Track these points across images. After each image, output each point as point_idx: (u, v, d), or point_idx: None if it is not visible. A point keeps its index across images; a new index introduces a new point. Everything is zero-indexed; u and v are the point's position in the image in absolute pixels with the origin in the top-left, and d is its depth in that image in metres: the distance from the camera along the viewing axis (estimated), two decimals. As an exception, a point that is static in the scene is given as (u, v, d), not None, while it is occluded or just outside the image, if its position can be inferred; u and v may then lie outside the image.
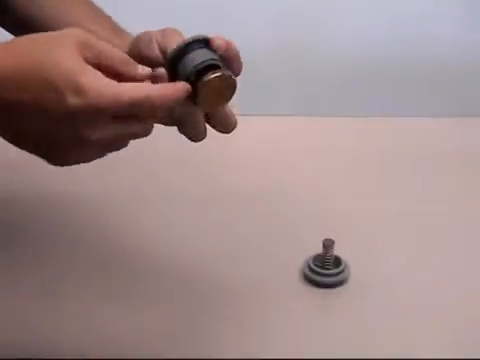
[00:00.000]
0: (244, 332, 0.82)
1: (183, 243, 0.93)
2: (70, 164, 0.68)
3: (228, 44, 0.72)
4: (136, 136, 0.67)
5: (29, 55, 0.63)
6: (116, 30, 0.81)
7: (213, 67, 0.70)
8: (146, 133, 0.67)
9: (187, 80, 0.69)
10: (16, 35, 0.80)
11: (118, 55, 0.66)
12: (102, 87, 0.63)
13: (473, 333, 0.82)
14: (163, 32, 0.74)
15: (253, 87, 1.85)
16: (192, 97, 0.69)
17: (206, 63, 0.70)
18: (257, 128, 1.13)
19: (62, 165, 0.68)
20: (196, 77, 0.69)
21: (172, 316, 0.83)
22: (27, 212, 0.97)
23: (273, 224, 0.96)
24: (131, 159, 1.05)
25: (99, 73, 0.64)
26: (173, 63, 0.70)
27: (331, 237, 0.88)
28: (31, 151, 0.67)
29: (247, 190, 1.02)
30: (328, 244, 0.87)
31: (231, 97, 0.71)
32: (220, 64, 0.70)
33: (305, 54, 1.95)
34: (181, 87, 0.67)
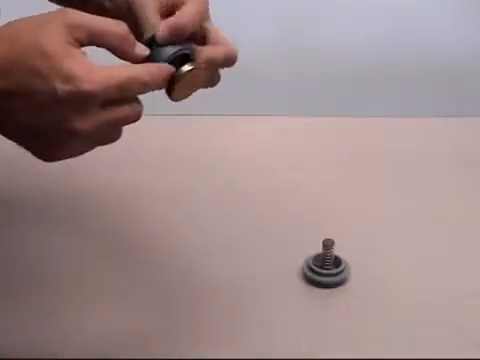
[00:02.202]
0: (244, 332, 0.82)
1: (182, 242, 0.93)
2: (59, 158, 0.65)
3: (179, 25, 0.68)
4: (127, 120, 0.65)
5: (15, 42, 0.62)
6: None
7: (185, 57, 0.69)
8: (138, 116, 0.65)
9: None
10: (63, 5, 0.78)
11: (112, 32, 0.64)
12: (90, 72, 0.61)
13: (473, 333, 0.82)
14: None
15: (253, 87, 1.85)
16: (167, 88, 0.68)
17: (177, 54, 0.68)
18: (257, 128, 1.13)
19: (51, 159, 0.66)
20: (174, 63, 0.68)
21: (171, 315, 0.83)
22: (29, 210, 0.97)
23: (273, 224, 0.96)
24: (131, 159, 1.05)
25: (87, 58, 0.62)
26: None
27: (331, 237, 0.88)
28: (22, 144, 0.65)
29: (247, 190, 1.02)
30: (328, 244, 0.87)
31: (203, 83, 0.71)
32: (190, 53, 0.69)
33: (305, 54, 1.95)
34: (166, 68, 0.66)
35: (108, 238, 0.94)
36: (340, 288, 0.87)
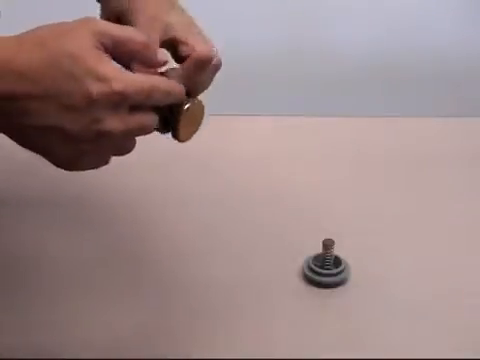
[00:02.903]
0: (244, 332, 0.82)
1: (182, 242, 0.93)
2: (79, 166, 0.67)
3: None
4: (146, 129, 0.66)
5: (44, 48, 0.62)
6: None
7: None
8: (153, 127, 0.67)
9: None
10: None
11: (135, 40, 0.65)
12: (121, 74, 0.62)
13: (474, 333, 0.82)
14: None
15: (253, 87, 1.85)
16: (171, 131, 0.70)
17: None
18: (257, 128, 1.13)
19: (71, 167, 0.66)
20: (170, 111, 0.69)
21: (170, 315, 0.83)
22: (34, 211, 0.97)
23: (273, 224, 0.96)
24: (131, 159, 1.05)
25: (115, 63, 0.64)
26: None
27: (331, 237, 0.88)
28: (40, 151, 0.65)
29: (247, 190, 1.02)
30: (328, 244, 0.87)
31: (204, 113, 0.72)
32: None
33: (305, 54, 1.96)
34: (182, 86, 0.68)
35: (110, 238, 0.94)
36: (340, 288, 0.87)
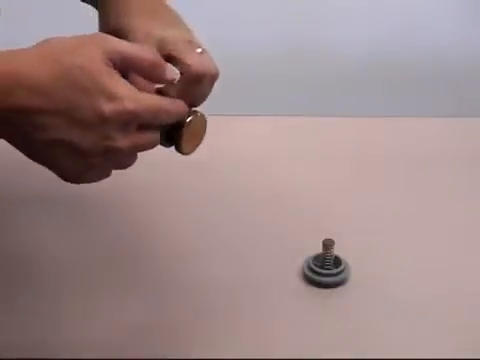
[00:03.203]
0: (244, 332, 0.82)
1: (182, 242, 0.93)
2: (85, 179, 0.67)
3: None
4: (149, 146, 0.68)
5: (56, 62, 0.63)
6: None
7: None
8: (154, 144, 0.69)
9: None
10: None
11: (145, 58, 0.66)
12: (132, 94, 0.64)
13: (474, 333, 0.82)
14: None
15: (253, 87, 1.85)
16: (175, 145, 0.71)
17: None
18: (257, 128, 1.13)
19: (78, 180, 0.67)
20: (171, 125, 0.70)
21: (170, 315, 0.83)
22: (32, 210, 0.97)
23: (273, 224, 0.96)
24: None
25: (125, 81, 0.64)
26: None
27: (331, 237, 0.88)
28: (48, 164, 0.66)
29: (247, 190, 1.02)
30: (328, 244, 0.87)
31: (204, 133, 0.74)
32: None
33: (306, 54, 1.96)
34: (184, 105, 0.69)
35: (109, 238, 0.94)
36: (340, 288, 0.87)
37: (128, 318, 0.83)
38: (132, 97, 0.63)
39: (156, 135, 0.68)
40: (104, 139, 0.63)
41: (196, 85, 0.71)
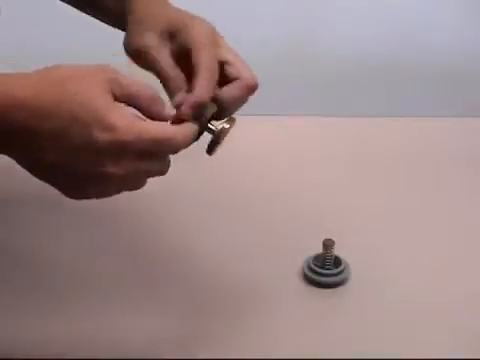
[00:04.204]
0: (244, 332, 0.82)
1: (182, 242, 0.93)
2: (84, 197, 0.69)
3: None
4: (154, 174, 0.69)
5: (62, 88, 0.65)
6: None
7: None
8: (162, 172, 0.70)
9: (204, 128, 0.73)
10: (79, 9, 0.84)
11: (145, 94, 0.68)
12: (129, 124, 0.65)
13: (474, 333, 0.82)
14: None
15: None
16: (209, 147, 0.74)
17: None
18: (257, 128, 1.13)
19: (75, 197, 0.69)
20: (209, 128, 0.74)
21: (170, 315, 0.83)
22: (35, 209, 0.97)
23: (273, 224, 0.96)
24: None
25: (126, 110, 0.66)
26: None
27: (331, 237, 0.88)
28: (47, 181, 0.68)
29: (247, 190, 1.02)
30: (328, 244, 0.87)
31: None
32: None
33: (306, 54, 1.95)
34: (192, 128, 0.71)
35: (109, 238, 0.94)
36: (340, 288, 0.87)
37: (128, 318, 0.83)
38: (128, 128, 0.64)
39: (162, 163, 0.69)
40: (98, 166, 0.65)
41: (245, 97, 0.75)
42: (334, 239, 0.87)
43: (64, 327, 0.82)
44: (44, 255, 0.91)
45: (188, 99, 0.73)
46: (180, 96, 0.74)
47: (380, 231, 0.95)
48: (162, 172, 0.70)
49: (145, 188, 0.99)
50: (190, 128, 0.70)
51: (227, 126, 0.74)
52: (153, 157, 0.68)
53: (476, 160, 1.08)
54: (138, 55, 0.78)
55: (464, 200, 1.01)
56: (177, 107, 0.73)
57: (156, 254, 0.91)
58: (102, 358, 0.78)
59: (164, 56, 0.77)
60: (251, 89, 0.76)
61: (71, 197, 0.69)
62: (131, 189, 0.70)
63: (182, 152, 1.02)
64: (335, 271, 0.87)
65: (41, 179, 0.68)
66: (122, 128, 0.64)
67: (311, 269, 0.87)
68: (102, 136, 0.64)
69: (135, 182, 0.69)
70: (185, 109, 0.72)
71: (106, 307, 0.84)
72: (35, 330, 0.81)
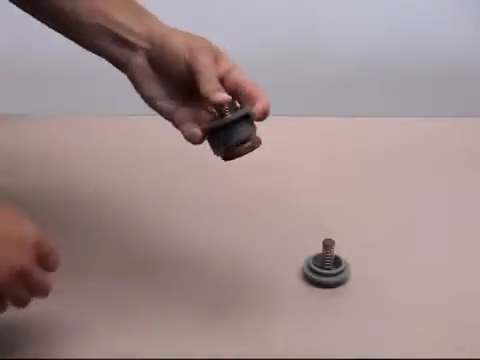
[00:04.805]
0: (244, 332, 0.82)
1: (183, 242, 0.93)
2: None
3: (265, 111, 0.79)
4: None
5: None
6: (140, 16, 0.82)
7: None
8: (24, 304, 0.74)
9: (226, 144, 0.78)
10: (51, 27, 0.85)
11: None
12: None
13: (473, 333, 0.82)
14: (190, 49, 0.77)
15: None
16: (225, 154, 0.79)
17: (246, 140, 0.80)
18: (257, 128, 1.13)
19: None
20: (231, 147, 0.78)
21: (170, 315, 0.83)
22: (34, 211, 0.97)
23: (273, 224, 0.96)
24: (132, 158, 1.05)
25: None
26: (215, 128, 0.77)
27: (331, 237, 0.88)
28: None
29: (247, 190, 1.02)
30: (328, 244, 0.87)
31: None
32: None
33: (305, 54, 1.95)
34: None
35: (109, 239, 0.94)
36: (340, 288, 0.87)
37: (128, 318, 0.83)
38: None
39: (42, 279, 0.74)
40: None
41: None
42: (334, 239, 0.87)
43: (60, 327, 0.82)
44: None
45: (261, 103, 0.79)
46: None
47: (380, 231, 0.95)
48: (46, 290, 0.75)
49: (145, 189, 0.99)
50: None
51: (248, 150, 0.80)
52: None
53: (476, 160, 1.08)
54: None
55: (464, 200, 1.01)
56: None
57: (156, 254, 0.91)
58: (102, 358, 0.78)
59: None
60: (267, 111, 0.80)
61: None
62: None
63: (182, 152, 1.02)
64: (335, 271, 0.87)
65: None
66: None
67: (311, 269, 0.88)
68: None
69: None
70: (258, 111, 0.78)
71: (106, 307, 0.84)
72: (34, 330, 0.81)
